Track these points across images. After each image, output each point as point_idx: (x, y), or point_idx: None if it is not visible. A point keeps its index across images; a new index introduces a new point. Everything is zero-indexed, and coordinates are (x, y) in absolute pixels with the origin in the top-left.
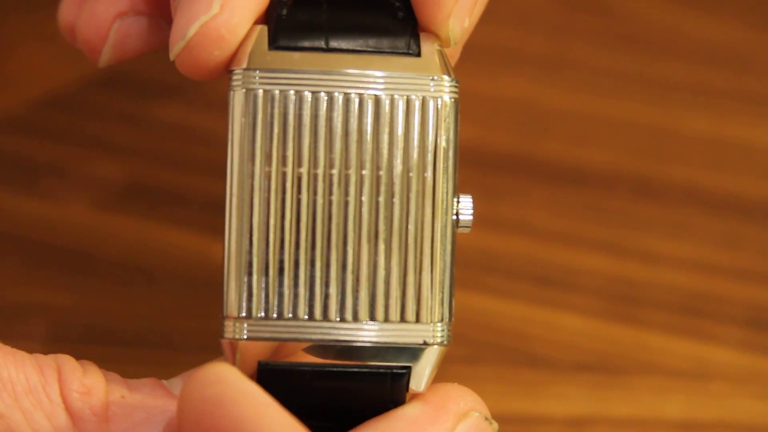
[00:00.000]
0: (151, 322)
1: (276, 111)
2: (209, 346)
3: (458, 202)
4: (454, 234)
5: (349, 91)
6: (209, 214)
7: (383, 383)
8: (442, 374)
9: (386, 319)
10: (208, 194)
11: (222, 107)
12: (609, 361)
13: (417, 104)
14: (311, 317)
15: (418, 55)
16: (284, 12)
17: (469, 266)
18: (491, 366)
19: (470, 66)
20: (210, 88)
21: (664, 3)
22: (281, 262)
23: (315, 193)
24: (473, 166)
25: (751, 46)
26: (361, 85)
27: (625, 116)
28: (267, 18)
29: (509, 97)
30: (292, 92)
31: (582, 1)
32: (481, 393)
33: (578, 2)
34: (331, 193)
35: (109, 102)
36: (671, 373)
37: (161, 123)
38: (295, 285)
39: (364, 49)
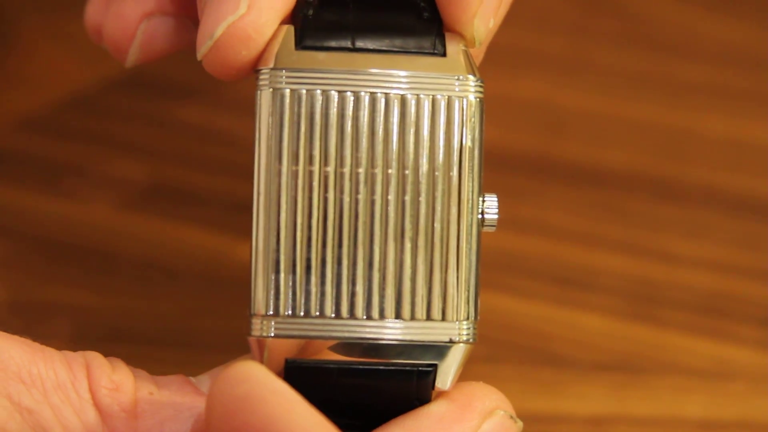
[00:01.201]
0: (173, 322)
1: (303, 110)
2: (231, 345)
3: (483, 201)
4: (479, 233)
5: (375, 90)
6: (231, 214)
7: (409, 381)
8: (463, 374)
9: (412, 317)
10: (230, 194)
11: (242, 108)
12: (629, 360)
13: (443, 104)
14: (338, 315)
15: (444, 55)
16: (310, 12)
17: (490, 266)
18: (512, 365)
19: (489, 67)
20: (231, 89)
21: (681, 5)
22: (308, 260)
23: (342, 192)
24: (493, 166)
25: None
26: (387, 84)
27: (643, 117)
28: (293, 18)
29: (528, 99)
30: (318, 92)
31: (600, 4)
32: (501, 392)
33: (596, 4)
34: (357, 192)
35: (130, 103)
36: (691, 373)
37: (182, 124)
38: (322, 283)
39: (390, 48)
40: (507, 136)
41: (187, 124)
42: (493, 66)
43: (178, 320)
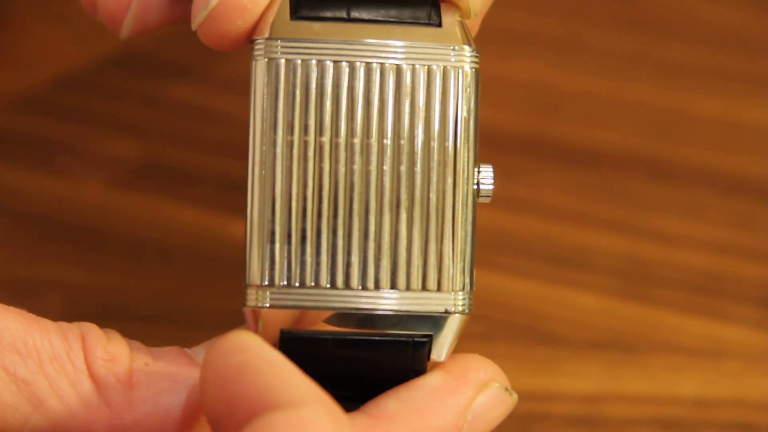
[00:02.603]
0: (165, 300)
1: (298, 80)
2: (224, 323)
3: (479, 171)
4: (474, 203)
5: (370, 60)
6: (224, 192)
7: (404, 352)
8: (457, 351)
9: (408, 288)
10: (223, 173)
11: (236, 87)
12: (623, 339)
13: (438, 74)
14: (333, 285)
15: (439, 25)
16: None
17: (484, 245)
18: (506, 343)
19: (484, 48)
20: (224, 68)
21: None
22: (303, 230)
23: (337, 162)
24: (487, 146)
25: (763, 30)
26: (382, 54)
27: (637, 98)
28: None
29: (523, 79)
30: (313, 61)
31: None
32: None
33: None
34: (353, 162)
35: (123, 82)
36: (685, 351)
37: (175, 102)
38: (317, 253)
39: (386, 19)
40: (501, 116)
41: (180, 102)
42: (488, 47)
43: (171, 298)
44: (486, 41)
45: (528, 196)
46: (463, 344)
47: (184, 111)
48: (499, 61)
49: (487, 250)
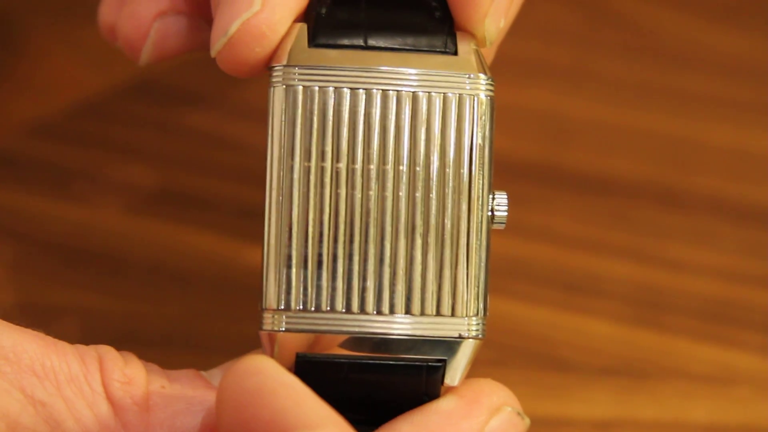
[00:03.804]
0: (181, 324)
1: (315, 107)
2: (240, 348)
3: (494, 198)
4: (489, 230)
5: (386, 87)
6: (239, 219)
7: (418, 376)
8: (470, 377)
9: (422, 313)
10: (238, 200)
11: (252, 115)
12: (634, 365)
13: (454, 102)
14: (348, 310)
15: (455, 53)
16: (323, 10)
17: (497, 272)
18: (518, 370)
19: (497, 77)
20: (240, 96)
21: (685, 16)
22: (320, 255)
23: (353, 188)
24: (500, 173)
25: None
26: (398, 82)
27: (648, 127)
28: (306, 16)
29: (535, 108)
30: (331, 88)
31: (605, 14)
32: None
33: (602, 15)
34: (369, 188)
35: (139, 109)
36: (696, 378)
37: (191, 129)
38: (333, 278)
39: (402, 47)
40: (514, 144)
41: (196, 130)
42: (500, 76)
43: (187, 323)
44: (499, 70)
45: (540, 224)
46: (476, 370)
47: (199, 138)
48: (512, 90)
49: (500, 276)
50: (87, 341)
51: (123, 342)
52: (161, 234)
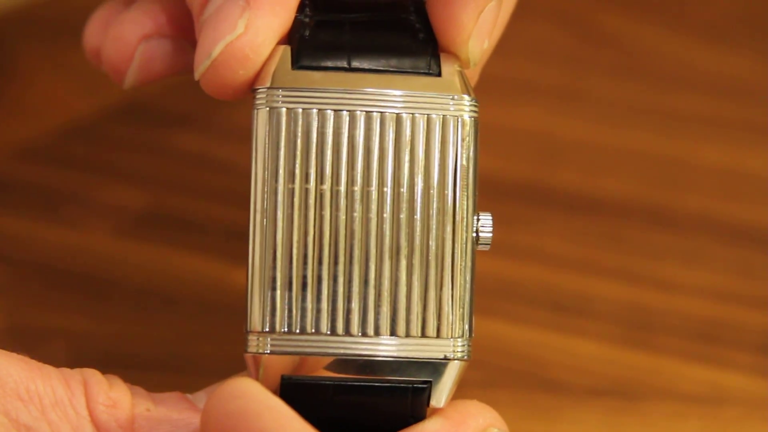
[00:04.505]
0: (170, 347)
1: (299, 129)
2: (228, 370)
3: (478, 219)
4: (473, 251)
5: (370, 109)
6: (228, 241)
7: (404, 398)
8: (458, 398)
9: (407, 334)
10: (227, 222)
11: (239, 137)
12: (624, 386)
13: (438, 123)
14: (333, 332)
15: (439, 75)
16: (307, 32)
17: (486, 292)
18: (507, 390)
19: (487, 97)
20: (228, 118)
21: (675, 36)
22: (304, 277)
23: (337, 210)
24: (490, 194)
25: (761, 78)
26: (382, 103)
27: (638, 147)
28: (290, 38)
29: (525, 128)
30: (314, 110)
31: (595, 35)
32: None
33: (591, 35)
34: (353, 210)
35: (128, 131)
36: (686, 398)
37: (179, 152)
38: (318, 300)
39: (386, 68)
40: (504, 164)
41: (185, 152)
42: (490, 96)
43: (176, 346)
44: (488, 90)
45: (529, 244)
46: (464, 391)
47: (187, 160)
48: (501, 110)
49: (489, 297)
50: (74, 364)
51: (110, 365)
52: (149, 256)
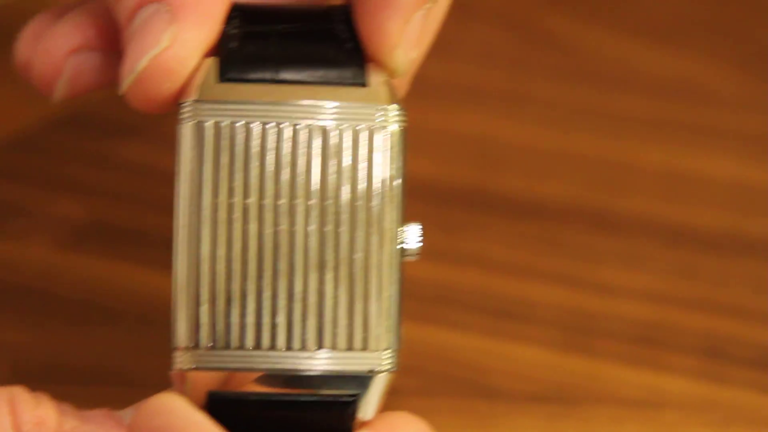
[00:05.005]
0: (110, 360)
1: (224, 142)
2: (168, 384)
3: (404, 231)
4: (400, 262)
5: (297, 121)
6: (170, 252)
7: (331, 412)
8: (395, 406)
9: (334, 348)
10: (169, 233)
11: None
12: (564, 391)
13: (364, 134)
14: (259, 347)
15: (365, 85)
16: (234, 44)
17: (426, 299)
18: (446, 398)
19: (430, 103)
20: (171, 126)
21: (618, 38)
22: (229, 292)
23: (262, 224)
24: (431, 200)
25: (704, 80)
26: (309, 115)
27: (580, 150)
28: (217, 51)
29: (467, 133)
30: (240, 124)
31: (539, 38)
32: (436, 425)
33: (535, 39)
34: (278, 223)
35: (71, 142)
36: (626, 403)
37: (123, 162)
38: (243, 315)
39: (313, 80)
40: (445, 170)
41: (128, 162)
42: (434, 101)
43: (116, 359)
44: (430, 95)
45: (471, 250)
46: (402, 399)
47: (131, 170)
48: (444, 115)
49: (429, 303)
50: (12, 378)
51: (49, 378)
52: (93, 268)
